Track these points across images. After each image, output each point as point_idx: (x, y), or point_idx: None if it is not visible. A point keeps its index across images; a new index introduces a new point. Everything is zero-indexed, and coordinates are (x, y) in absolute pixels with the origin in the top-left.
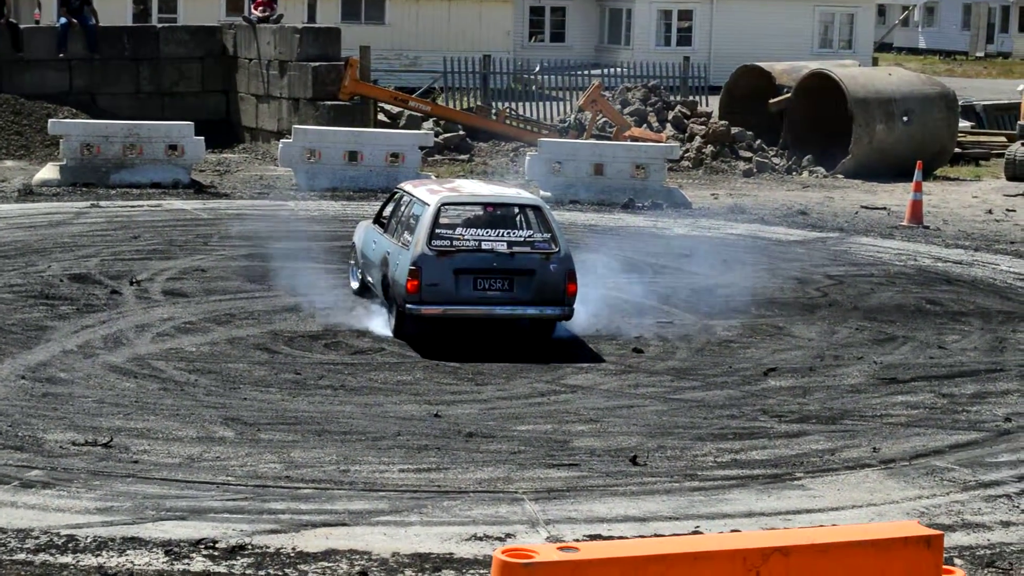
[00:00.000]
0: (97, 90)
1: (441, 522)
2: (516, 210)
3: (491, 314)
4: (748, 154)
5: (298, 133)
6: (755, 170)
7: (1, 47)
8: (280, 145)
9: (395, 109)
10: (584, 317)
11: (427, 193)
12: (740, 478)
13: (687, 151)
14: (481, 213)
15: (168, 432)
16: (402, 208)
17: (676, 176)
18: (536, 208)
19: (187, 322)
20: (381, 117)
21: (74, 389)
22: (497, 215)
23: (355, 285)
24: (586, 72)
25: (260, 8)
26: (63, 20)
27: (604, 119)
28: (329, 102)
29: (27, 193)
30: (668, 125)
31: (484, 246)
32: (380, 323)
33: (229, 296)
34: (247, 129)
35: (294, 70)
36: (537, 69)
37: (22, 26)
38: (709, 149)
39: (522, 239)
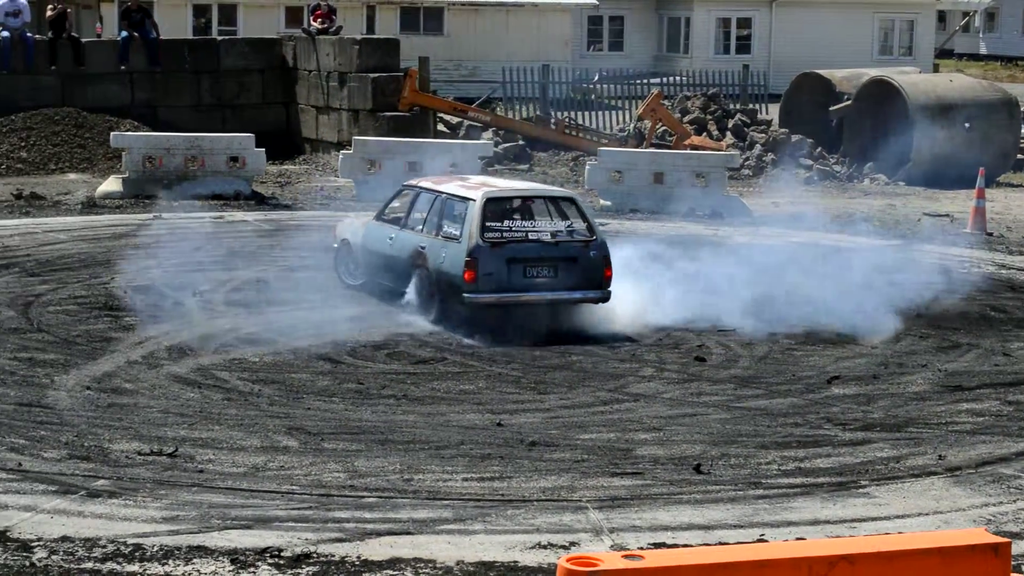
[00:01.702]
0: (158, 103)
1: (505, 530)
2: (553, 202)
3: (541, 299)
4: (809, 162)
5: (358, 144)
6: (816, 178)
7: (63, 61)
8: (340, 156)
9: (454, 119)
10: (643, 324)
11: (464, 189)
12: (805, 486)
13: (747, 159)
14: (520, 205)
15: (232, 442)
16: (426, 204)
17: (736, 184)
18: (570, 200)
19: (250, 332)
20: (441, 128)
21: (139, 399)
22: (536, 207)
23: (354, 282)
24: (645, 81)
25: (320, 20)
26: (124, 34)
27: (664, 128)
28: (389, 113)
29: (90, 205)
30: (728, 133)
31: (531, 236)
32: (408, 315)
33: (291, 306)
34: (307, 140)
35: (354, 81)
36: (596, 78)
37: (84, 40)
38: (769, 157)
39: (563, 229)
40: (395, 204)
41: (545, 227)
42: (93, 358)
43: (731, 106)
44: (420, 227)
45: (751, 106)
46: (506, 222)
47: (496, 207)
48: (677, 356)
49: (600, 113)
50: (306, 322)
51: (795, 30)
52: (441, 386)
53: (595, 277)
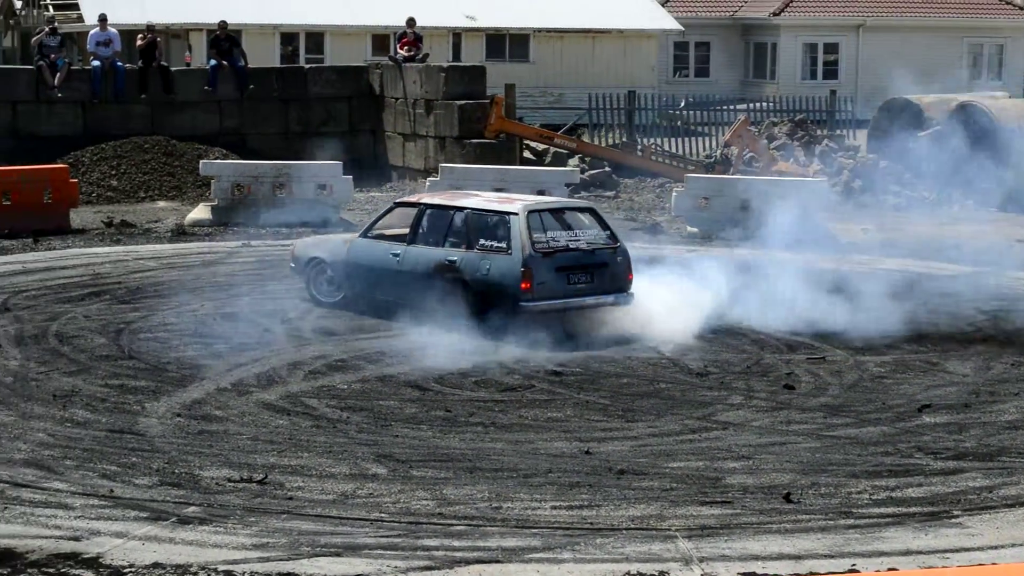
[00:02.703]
0: (247, 131)
1: (594, 559)
2: (579, 213)
3: (582, 304)
4: (897, 188)
5: (445, 171)
6: (904, 204)
7: (153, 90)
8: (427, 183)
9: (541, 146)
10: (732, 352)
11: (496, 204)
12: (896, 516)
13: (835, 185)
14: (556, 217)
15: (321, 469)
16: (443, 221)
17: (825, 210)
18: (592, 210)
19: (338, 360)
20: (527, 155)
21: (229, 426)
22: (565, 218)
23: (330, 299)
24: (731, 107)
25: (406, 48)
26: (213, 62)
27: (751, 154)
28: (475, 140)
29: (180, 233)
30: (815, 159)
31: (571, 245)
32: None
33: (379, 334)
34: (394, 168)
35: (440, 109)
36: (682, 104)
37: (173, 69)
38: (857, 183)
39: (593, 237)
40: (388, 222)
41: (580, 236)
42: (183, 385)
43: (818, 132)
44: (442, 242)
45: (838, 132)
46: (548, 233)
47: (536, 220)
48: (766, 384)
49: (686, 139)
50: (394, 349)
51: (883, 55)
52: (529, 414)
53: (622, 281)
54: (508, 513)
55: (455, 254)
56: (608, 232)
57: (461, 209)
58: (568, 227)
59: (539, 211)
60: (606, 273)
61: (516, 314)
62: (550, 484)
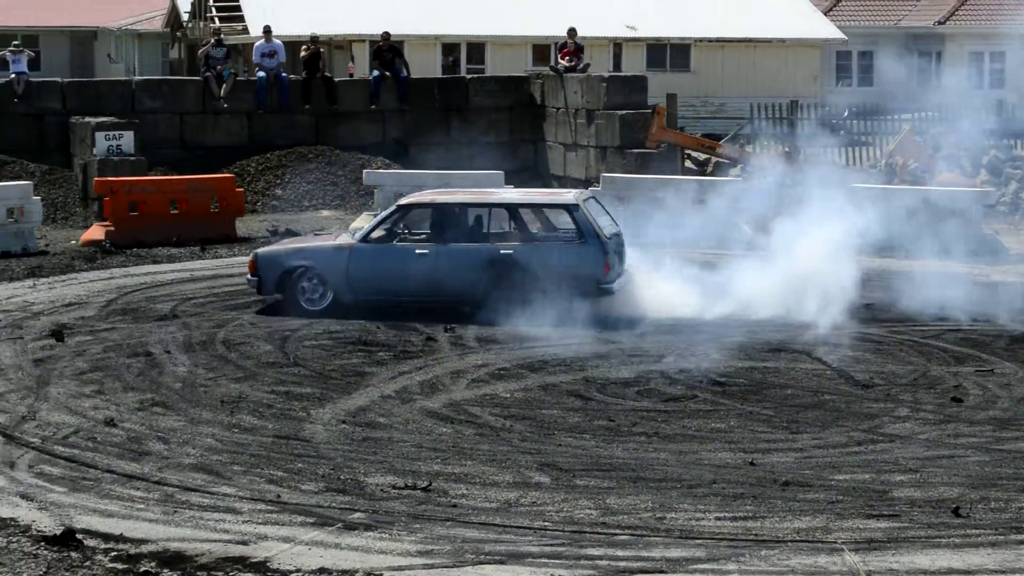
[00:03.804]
0: (409, 141)
1: (759, 571)
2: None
3: (620, 284)
4: None
5: (606, 181)
6: None
7: (317, 100)
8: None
9: (702, 156)
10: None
11: (551, 196)
12: None
13: (1003, 196)
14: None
15: (485, 477)
16: (482, 217)
17: (992, 221)
18: (595, 199)
19: (501, 368)
20: (688, 164)
21: (393, 434)
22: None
23: (317, 307)
24: (895, 116)
25: (567, 58)
26: (376, 73)
27: (915, 164)
28: (636, 150)
29: None
30: (983, 170)
31: (610, 232)
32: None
33: (541, 343)
34: (555, 177)
35: (601, 118)
36: (845, 114)
37: (336, 79)
38: None
39: (611, 222)
40: (395, 226)
41: (609, 222)
42: (348, 392)
43: (985, 142)
44: (484, 237)
45: (1006, 141)
46: (599, 220)
47: (594, 207)
48: (933, 396)
49: (850, 149)
50: (556, 358)
51: None
52: (692, 424)
53: (623, 263)
54: (672, 523)
55: (507, 247)
56: (610, 219)
57: (503, 204)
58: (603, 214)
59: (589, 199)
60: (621, 255)
61: (599, 297)
62: (714, 495)
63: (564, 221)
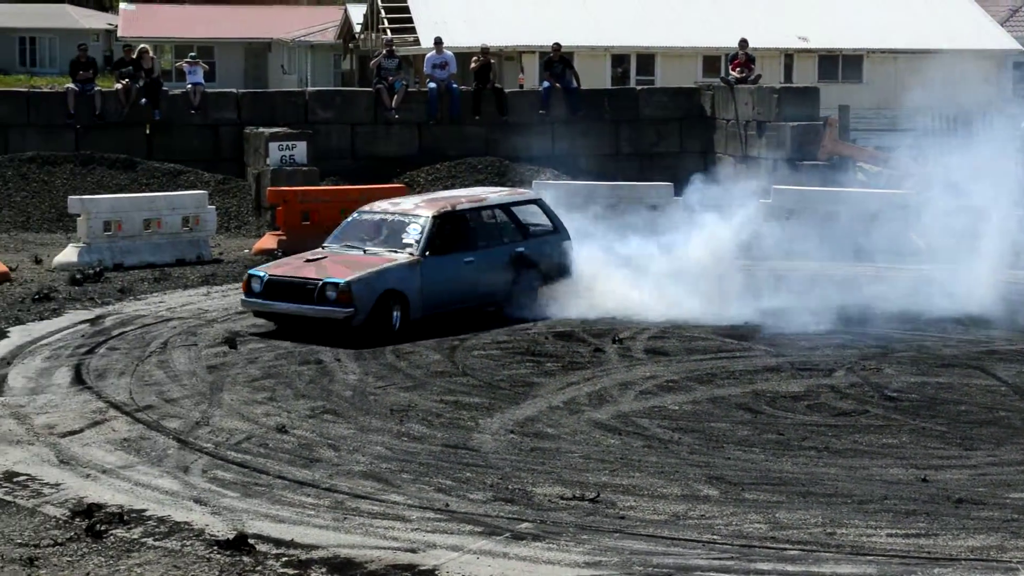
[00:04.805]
0: (578, 151)
1: None
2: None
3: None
4: None
5: (776, 193)
6: None
7: (487, 111)
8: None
9: (875, 168)
10: None
11: (519, 195)
12: None
13: None
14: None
15: (653, 489)
16: (493, 219)
17: None
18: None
19: (669, 380)
20: (860, 177)
21: (561, 444)
22: None
23: (359, 319)
24: None
25: (738, 69)
26: (546, 84)
27: None
28: (807, 162)
29: None
30: None
31: None
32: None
33: (710, 355)
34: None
35: (772, 130)
36: (1023, 125)
37: (507, 90)
38: None
39: None
40: (436, 237)
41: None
42: (516, 402)
43: None
44: (504, 238)
45: None
46: None
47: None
48: None
49: None
50: (725, 371)
51: None
52: (863, 439)
53: None
54: (843, 539)
55: (520, 245)
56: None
57: (500, 206)
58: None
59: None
60: None
61: (572, 282)
62: (885, 511)
63: (535, 214)
